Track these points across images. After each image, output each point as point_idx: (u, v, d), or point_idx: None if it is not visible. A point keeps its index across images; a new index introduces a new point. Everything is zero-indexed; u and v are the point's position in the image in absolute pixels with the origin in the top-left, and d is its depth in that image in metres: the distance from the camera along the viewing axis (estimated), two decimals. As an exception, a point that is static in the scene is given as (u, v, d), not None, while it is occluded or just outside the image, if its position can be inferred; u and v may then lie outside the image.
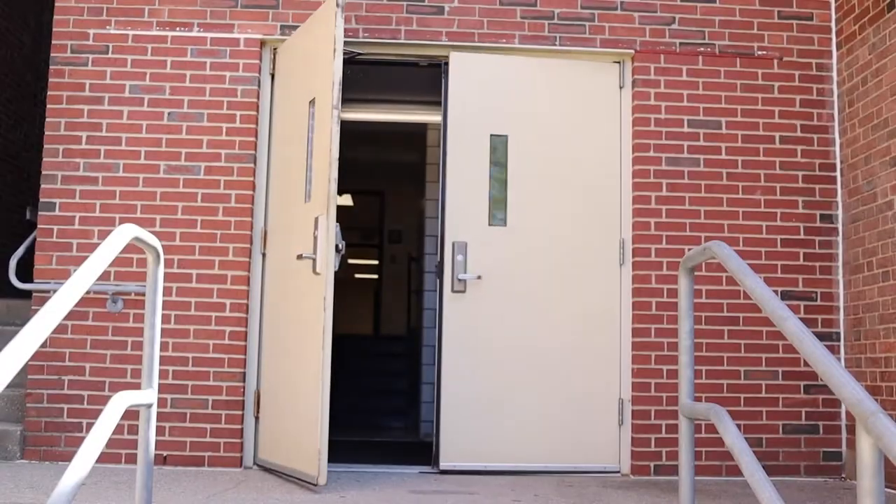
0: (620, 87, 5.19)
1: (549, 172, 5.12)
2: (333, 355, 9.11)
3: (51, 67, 4.99)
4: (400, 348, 10.26)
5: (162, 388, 4.78)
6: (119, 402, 2.50)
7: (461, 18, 5.08)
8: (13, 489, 3.80)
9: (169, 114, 4.96)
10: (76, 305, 4.79)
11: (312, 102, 4.57)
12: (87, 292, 4.81)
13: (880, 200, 4.68)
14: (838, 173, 5.11)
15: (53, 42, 5.00)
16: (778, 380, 4.93)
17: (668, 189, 5.02)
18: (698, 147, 5.05)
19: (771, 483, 2.23)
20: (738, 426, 4.88)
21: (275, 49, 5.11)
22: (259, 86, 5.03)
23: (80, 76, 4.98)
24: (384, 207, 12.17)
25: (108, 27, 5.02)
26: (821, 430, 4.92)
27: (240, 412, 4.79)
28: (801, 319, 4.99)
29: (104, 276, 4.85)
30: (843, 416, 4.94)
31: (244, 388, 4.82)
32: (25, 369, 4.91)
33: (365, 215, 12.13)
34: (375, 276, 12.47)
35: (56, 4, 5.03)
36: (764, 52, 5.15)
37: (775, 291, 4.96)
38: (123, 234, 2.54)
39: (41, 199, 4.90)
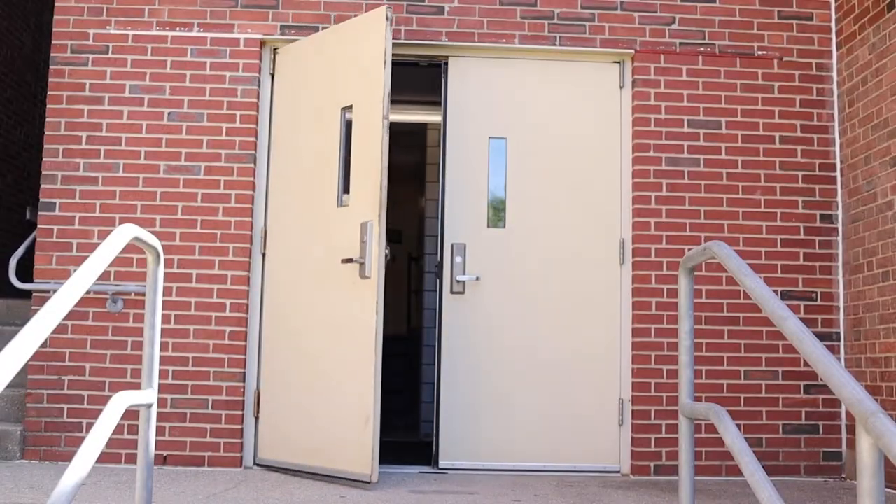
0: (620, 87, 5.19)
1: (548, 173, 5.12)
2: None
3: (51, 67, 4.99)
4: (400, 348, 10.26)
5: (162, 388, 4.78)
6: (119, 402, 2.50)
7: (461, 18, 5.09)
8: (13, 489, 3.80)
9: (169, 114, 4.97)
10: (76, 305, 4.80)
11: (348, 109, 4.64)
12: (87, 292, 4.81)
13: (880, 200, 4.68)
14: (838, 173, 5.11)
15: (53, 42, 5.00)
16: (778, 380, 4.93)
17: (668, 189, 5.02)
18: (698, 147, 5.05)
19: (771, 483, 2.23)
20: (738, 426, 4.88)
21: (275, 49, 5.11)
22: (259, 86, 5.03)
23: (80, 76, 4.98)
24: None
25: (108, 27, 5.02)
26: (821, 430, 4.92)
27: (240, 412, 4.79)
28: (801, 319, 4.99)
29: (104, 276, 4.85)
30: (843, 416, 4.94)
31: (244, 388, 4.83)
32: (25, 369, 4.91)
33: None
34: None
35: (56, 4, 5.03)
36: (764, 52, 5.15)
37: (775, 291, 4.96)
38: (123, 234, 2.54)
39: (41, 199, 4.90)
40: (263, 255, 4.99)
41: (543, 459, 4.93)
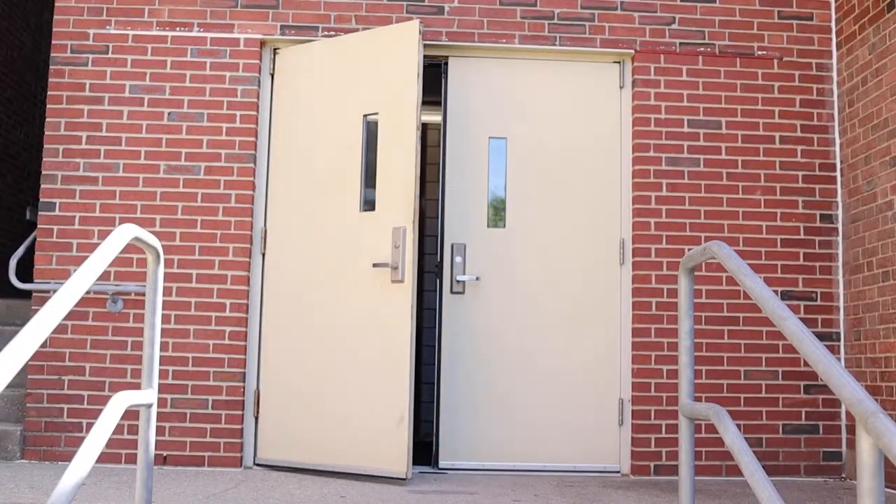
0: (620, 87, 5.19)
1: (548, 173, 5.12)
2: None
3: (51, 67, 4.99)
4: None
5: (162, 388, 4.78)
6: (119, 402, 2.50)
7: (461, 18, 5.09)
8: (13, 489, 3.80)
9: (169, 114, 4.97)
10: (76, 305, 4.80)
11: (372, 116, 4.75)
12: (87, 292, 4.81)
13: (880, 200, 4.68)
14: (838, 173, 5.11)
15: (53, 42, 5.00)
16: (778, 380, 4.94)
17: (668, 189, 5.02)
18: (698, 147, 5.05)
19: (771, 483, 2.23)
20: (738, 426, 4.88)
21: (275, 49, 5.11)
22: (259, 86, 5.03)
23: (80, 76, 4.98)
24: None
25: (108, 27, 5.02)
26: (821, 430, 4.92)
27: (240, 412, 4.79)
28: (801, 319, 4.99)
29: (104, 276, 4.85)
30: (843, 416, 4.94)
31: (244, 388, 4.83)
32: (25, 369, 4.92)
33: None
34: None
35: (56, 4, 5.03)
36: (764, 52, 5.15)
37: (775, 291, 4.96)
38: (123, 234, 2.54)
39: (41, 199, 4.90)
40: (263, 254, 4.99)
41: (543, 459, 4.93)
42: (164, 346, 4.81)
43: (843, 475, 4.90)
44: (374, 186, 4.71)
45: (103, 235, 4.89)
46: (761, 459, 4.87)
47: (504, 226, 5.08)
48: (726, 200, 5.04)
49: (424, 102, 6.95)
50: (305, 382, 4.81)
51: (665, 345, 4.93)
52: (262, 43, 5.09)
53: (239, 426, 4.78)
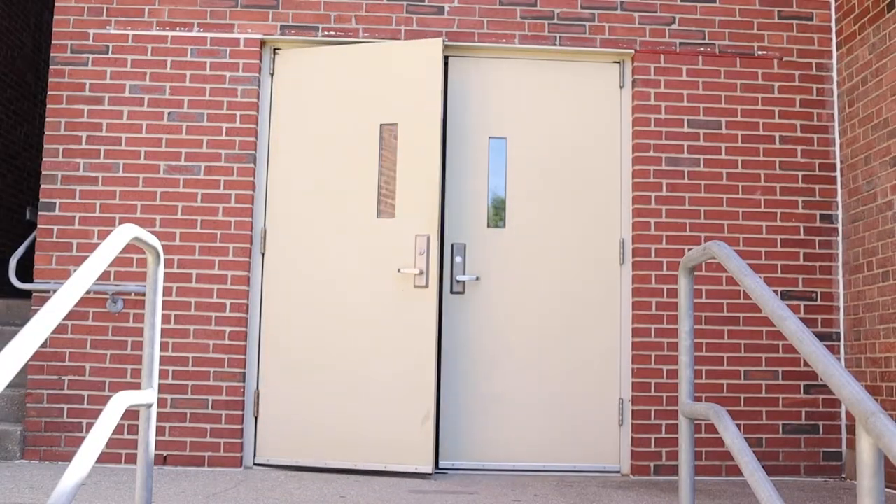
0: (620, 87, 5.19)
1: (548, 173, 5.12)
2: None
3: (51, 67, 4.99)
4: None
5: (162, 388, 4.78)
6: (119, 402, 2.50)
7: (461, 18, 5.09)
8: (13, 489, 3.80)
9: (169, 114, 4.97)
10: (76, 305, 4.80)
11: (390, 126, 4.90)
12: (87, 292, 4.81)
13: (880, 200, 4.68)
14: (838, 173, 5.11)
15: (53, 42, 5.00)
16: (778, 380, 4.94)
17: (668, 189, 5.02)
18: (698, 147, 5.05)
19: (771, 483, 2.22)
20: (738, 426, 4.88)
21: (275, 49, 5.11)
22: (259, 86, 5.03)
23: (80, 76, 4.98)
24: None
25: (108, 27, 5.02)
26: (821, 430, 4.92)
27: (240, 412, 4.79)
28: (801, 319, 4.99)
29: (104, 276, 4.85)
30: (843, 416, 4.94)
31: (244, 388, 4.83)
32: (25, 369, 4.92)
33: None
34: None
35: (56, 4, 5.03)
36: (764, 52, 5.15)
37: (775, 291, 4.96)
38: (123, 234, 2.54)
39: (41, 199, 4.90)
40: (263, 254, 4.99)
41: (543, 459, 4.93)
42: (164, 346, 4.81)
43: (843, 475, 4.90)
44: (390, 194, 4.87)
45: (103, 235, 4.89)
46: (761, 459, 4.87)
47: (504, 226, 5.08)
48: (726, 200, 5.04)
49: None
50: (309, 382, 4.83)
51: (665, 345, 4.93)
52: (262, 43, 5.09)
53: (239, 426, 4.78)
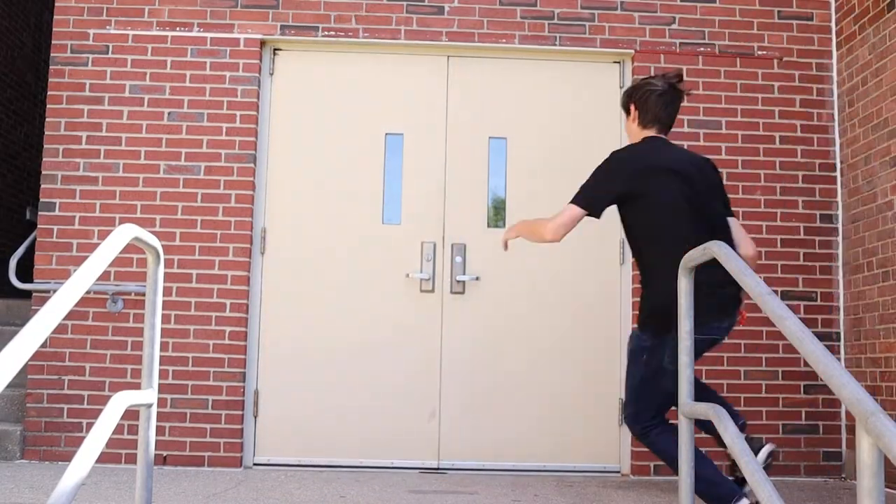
0: (621, 87, 5.19)
1: (548, 173, 5.12)
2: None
3: (51, 67, 4.99)
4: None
5: (162, 388, 4.78)
6: (119, 402, 2.50)
7: (461, 18, 5.08)
8: (13, 489, 3.80)
9: (169, 114, 4.97)
10: (76, 305, 4.79)
11: (395, 136, 5.09)
12: (87, 292, 4.80)
13: (880, 200, 4.68)
14: (838, 173, 5.11)
15: (53, 42, 5.00)
16: (778, 380, 4.93)
17: (668, 189, 5.01)
18: (698, 147, 5.05)
19: (771, 483, 2.22)
20: (738, 426, 4.87)
21: (275, 49, 5.12)
22: (259, 86, 5.03)
23: (80, 76, 4.98)
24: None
25: (108, 27, 5.02)
26: (821, 430, 4.92)
27: (240, 412, 4.79)
28: (801, 319, 4.99)
29: (104, 276, 4.85)
30: (843, 416, 4.94)
31: (244, 388, 4.82)
32: (25, 369, 4.91)
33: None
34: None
35: (56, 4, 5.03)
36: (764, 52, 5.15)
37: (775, 291, 4.96)
38: (123, 234, 2.54)
39: (41, 199, 4.90)
40: (263, 254, 5.00)
41: (543, 459, 4.93)
42: (164, 346, 4.81)
43: (843, 475, 4.90)
44: (395, 200, 5.04)
45: (103, 235, 4.89)
46: (761, 459, 4.87)
47: (504, 226, 5.08)
48: (726, 200, 5.03)
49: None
50: (309, 382, 4.84)
51: (665, 345, 4.91)
52: (262, 43, 5.08)
53: (239, 426, 4.78)
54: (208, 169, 4.94)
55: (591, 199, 3.46)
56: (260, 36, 5.04)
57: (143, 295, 4.84)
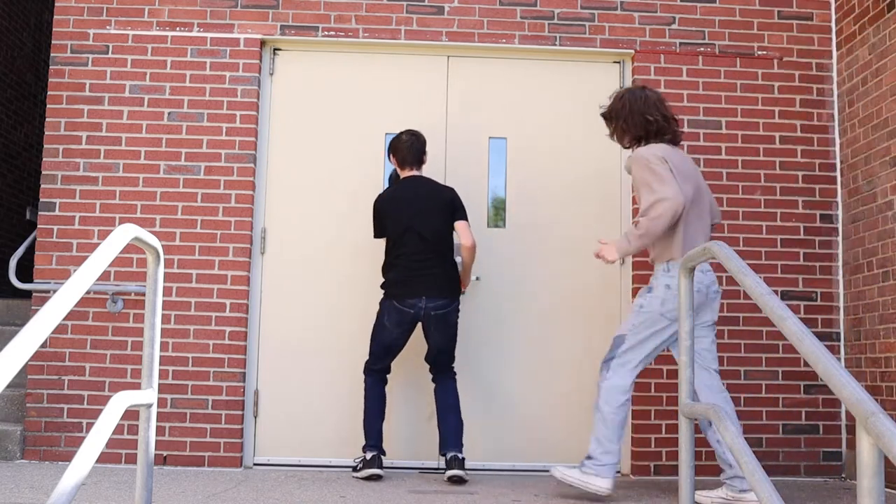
0: (621, 87, 5.18)
1: (548, 173, 5.12)
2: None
3: (51, 67, 4.99)
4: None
5: (162, 388, 4.78)
6: (119, 402, 2.50)
7: (461, 18, 5.08)
8: (13, 489, 3.80)
9: (169, 114, 4.97)
10: (76, 305, 4.80)
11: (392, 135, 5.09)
12: (87, 292, 4.81)
13: (880, 200, 4.68)
14: (838, 173, 5.11)
15: (53, 42, 5.00)
16: (778, 380, 4.93)
17: (668, 189, 5.01)
18: (698, 147, 5.05)
19: (771, 483, 2.23)
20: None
21: (275, 49, 5.12)
22: (259, 86, 5.03)
23: (80, 76, 4.98)
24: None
25: (108, 27, 5.02)
26: (821, 430, 4.92)
27: (240, 412, 4.79)
28: (801, 319, 4.99)
29: (104, 276, 4.85)
30: (843, 416, 4.94)
31: (244, 388, 4.83)
32: (25, 369, 4.92)
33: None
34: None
35: (56, 4, 5.03)
36: (764, 52, 5.15)
37: (775, 291, 4.96)
38: (123, 234, 2.54)
39: (41, 199, 4.90)
40: (263, 254, 5.00)
41: (543, 459, 4.93)
42: (164, 346, 4.81)
43: (843, 475, 4.90)
44: None
45: (103, 235, 4.89)
46: (761, 459, 4.87)
47: (504, 226, 5.08)
48: (726, 200, 5.04)
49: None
50: (309, 382, 4.85)
51: (665, 345, 4.92)
52: (262, 43, 5.09)
53: (239, 426, 4.78)
54: (208, 169, 4.94)
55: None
56: (260, 36, 5.04)
57: (143, 295, 4.84)
